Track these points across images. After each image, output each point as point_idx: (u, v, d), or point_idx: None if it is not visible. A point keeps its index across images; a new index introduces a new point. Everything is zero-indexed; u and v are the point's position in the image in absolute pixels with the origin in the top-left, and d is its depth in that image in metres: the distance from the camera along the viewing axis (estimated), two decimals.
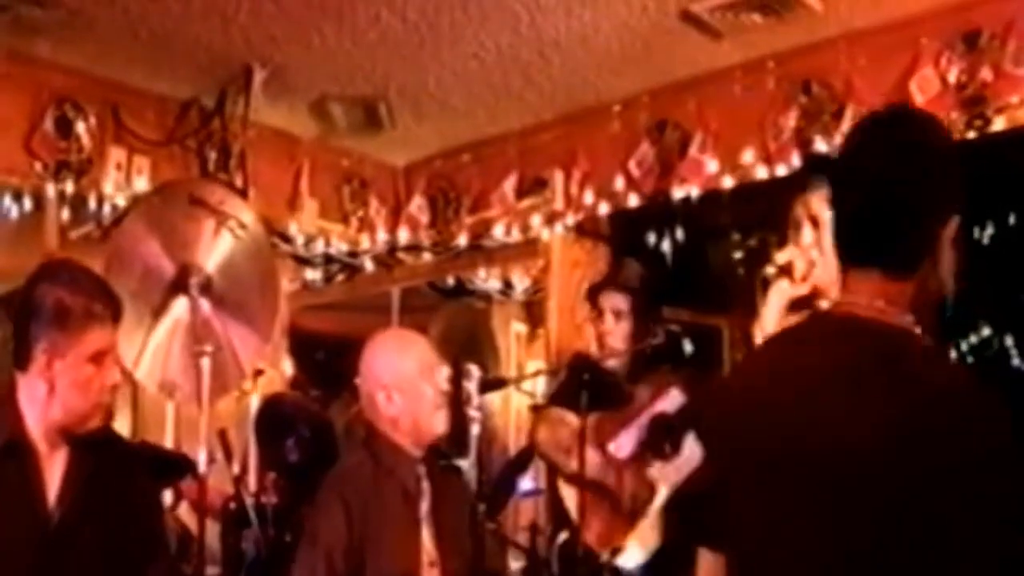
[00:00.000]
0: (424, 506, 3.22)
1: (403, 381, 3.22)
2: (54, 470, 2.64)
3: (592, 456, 3.97)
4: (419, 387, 3.23)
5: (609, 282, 4.49)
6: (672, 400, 4.15)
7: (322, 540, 3.09)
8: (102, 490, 2.67)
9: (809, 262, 3.13)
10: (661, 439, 4.07)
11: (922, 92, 4.34)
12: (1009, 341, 4.22)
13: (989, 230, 4.36)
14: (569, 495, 3.99)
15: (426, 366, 3.26)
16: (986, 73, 4.18)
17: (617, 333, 4.33)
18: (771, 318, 3.16)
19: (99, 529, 2.63)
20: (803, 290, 3.14)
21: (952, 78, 4.26)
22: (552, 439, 4.12)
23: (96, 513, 2.64)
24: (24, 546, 2.55)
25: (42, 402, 2.61)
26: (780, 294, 3.13)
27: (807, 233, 3.17)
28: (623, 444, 4.12)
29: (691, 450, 4.06)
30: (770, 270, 3.11)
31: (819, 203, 3.18)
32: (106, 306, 2.65)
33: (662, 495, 4.03)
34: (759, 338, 3.16)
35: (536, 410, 4.32)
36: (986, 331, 3.92)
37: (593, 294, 4.48)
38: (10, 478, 2.59)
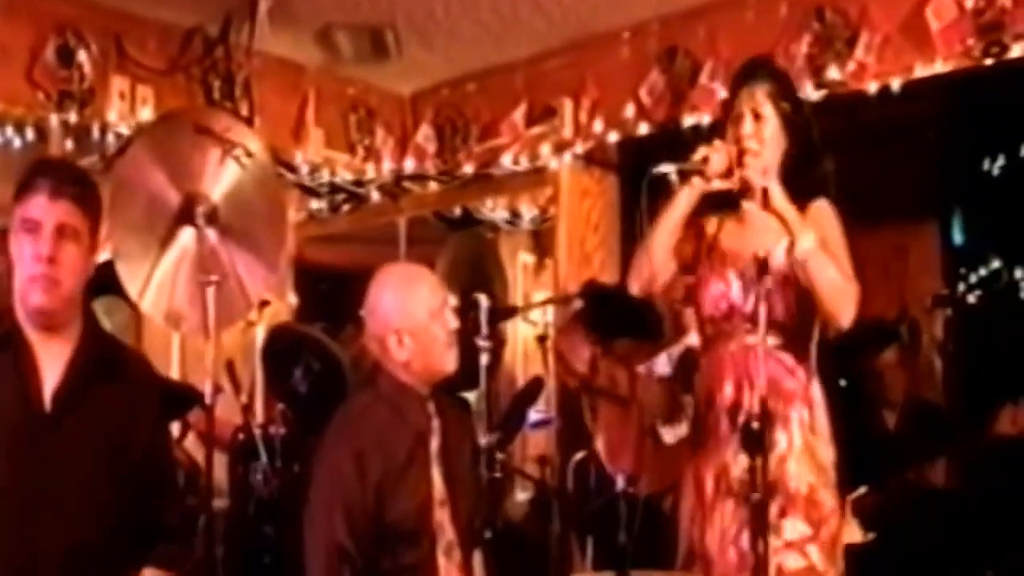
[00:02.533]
0: (434, 444, 3.17)
1: (414, 324, 3.14)
2: (53, 363, 2.64)
3: (616, 375, 3.97)
4: (430, 329, 3.15)
5: None
6: None
7: (336, 489, 3.02)
8: (104, 391, 2.68)
9: (739, 152, 3.14)
10: (688, 373, 4.05)
11: (938, 18, 4.28)
12: (1019, 274, 4.19)
13: (1000, 161, 4.30)
14: (591, 415, 3.97)
15: (436, 306, 3.18)
16: None
17: None
18: (671, 223, 3.16)
19: (97, 427, 2.64)
20: (728, 184, 3.15)
21: (969, 3, 4.21)
22: (572, 347, 4.09)
23: (94, 410, 2.64)
24: (15, 434, 2.57)
25: (11, 286, 2.64)
26: (691, 191, 3.14)
27: (748, 124, 3.17)
28: (654, 365, 4.10)
29: None
30: (669, 167, 3.09)
31: (763, 97, 3.18)
32: (43, 177, 2.63)
33: (683, 428, 4.02)
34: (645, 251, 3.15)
35: (543, 340, 4.30)
36: (995, 263, 3.88)
37: None
38: (5, 368, 2.61)
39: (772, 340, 3.08)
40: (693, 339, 4.05)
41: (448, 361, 3.20)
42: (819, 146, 3.23)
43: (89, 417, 2.64)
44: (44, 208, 2.60)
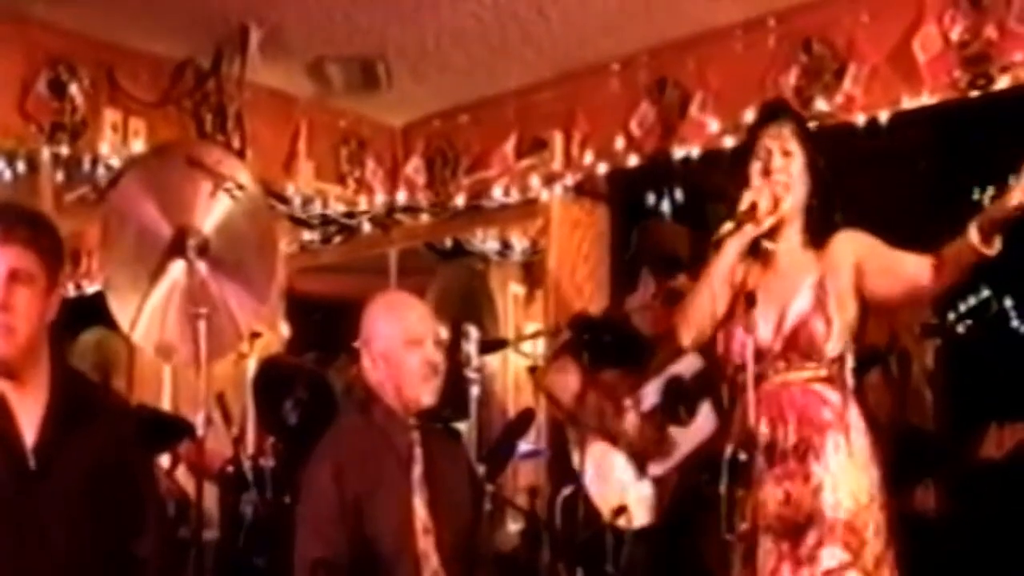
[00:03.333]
0: (417, 471, 3.19)
1: (387, 349, 3.20)
2: (29, 415, 2.59)
3: (604, 408, 3.97)
4: (402, 357, 3.18)
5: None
6: (688, 364, 4.13)
7: (314, 502, 3.07)
8: (83, 438, 2.63)
9: (777, 193, 3.19)
10: (676, 403, 4.06)
11: (924, 51, 4.32)
12: (1008, 303, 4.20)
13: (990, 191, 4.32)
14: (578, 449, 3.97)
15: (413, 337, 3.21)
16: (990, 31, 4.15)
17: None
18: (723, 273, 3.18)
19: (80, 475, 2.60)
20: (769, 223, 3.19)
21: (955, 36, 4.24)
22: (560, 380, 4.09)
23: (76, 459, 2.60)
24: (5, 490, 2.52)
25: None
26: (742, 238, 3.17)
27: (777, 159, 3.22)
28: (642, 399, 4.11)
29: (705, 416, 4.05)
30: (728, 226, 3.13)
31: (789, 135, 3.25)
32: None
33: (675, 458, 4.03)
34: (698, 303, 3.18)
35: (533, 371, 4.30)
36: (985, 293, 3.90)
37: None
38: None
39: (807, 373, 3.19)
40: (680, 367, 4.08)
41: (423, 393, 3.21)
42: (835, 190, 3.29)
43: (72, 465, 2.60)
44: None
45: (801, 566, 3.11)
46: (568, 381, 4.03)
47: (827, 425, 3.18)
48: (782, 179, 3.21)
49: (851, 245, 3.23)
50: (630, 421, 4.07)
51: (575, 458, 3.95)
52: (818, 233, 3.25)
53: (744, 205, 3.15)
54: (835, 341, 3.19)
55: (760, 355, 3.15)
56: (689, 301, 3.29)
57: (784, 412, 3.18)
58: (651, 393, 4.10)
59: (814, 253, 3.26)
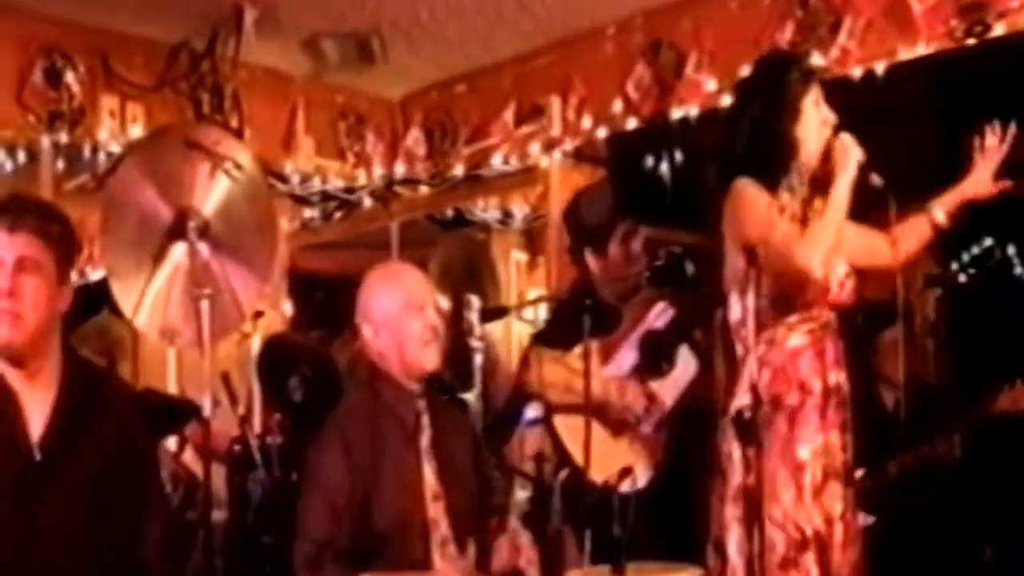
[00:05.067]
0: (424, 441, 3.23)
1: (387, 316, 3.23)
2: (38, 405, 2.62)
3: (573, 382, 3.96)
4: (403, 323, 3.22)
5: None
6: (660, 315, 4.13)
7: (323, 481, 3.11)
8: (91, 429, 2.66)
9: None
10: (654, 355, 4.07)
11: (920, 1, 4.27)
12: (1011, 250, 4.20)
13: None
14: (566, 432, 3.97)
15: (411, 302, 3.24)
16: None
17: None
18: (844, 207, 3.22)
19: (86, 467, 2.63)
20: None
21: None
22: (549, 377, 4.09)
23: (83, 450, 2.63)
24: (10, 482, 2.56)
25: None
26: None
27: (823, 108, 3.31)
28: (620, 362, 4.11)
29: (685, 361, 4.07)
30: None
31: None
32: (6, 213, 2.60)
33: (663, 411, 4.05)
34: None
35: (531, 345, 4.29)
36: (987, 241, 3.89)
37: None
38: None
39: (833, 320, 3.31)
40: (652, 321, 4.08)
41: (424, 358, 3.25)
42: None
43: (77, 457, 2.63)
44: (4, 243, 2.57)
45: (857, 512, 3.30)
46: (555, 375, 3.99)
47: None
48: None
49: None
50: (614, 390, 4.05)
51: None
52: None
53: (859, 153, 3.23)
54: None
55: (822, 297, 3.27)
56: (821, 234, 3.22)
57: (839, 357, 3.30)
58: (627, 353, 4.11)
59: None
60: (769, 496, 3.17)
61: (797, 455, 3.21)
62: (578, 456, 3.69)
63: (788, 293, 3.25)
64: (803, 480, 3.20)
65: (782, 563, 3.17)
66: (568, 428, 3.90)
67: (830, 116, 3.33)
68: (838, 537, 3.19)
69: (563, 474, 3.49)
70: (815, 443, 3.21)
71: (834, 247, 3.20)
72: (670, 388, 4.07)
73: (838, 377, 3.28)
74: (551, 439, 3.92)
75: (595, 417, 3.79)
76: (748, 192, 3.26)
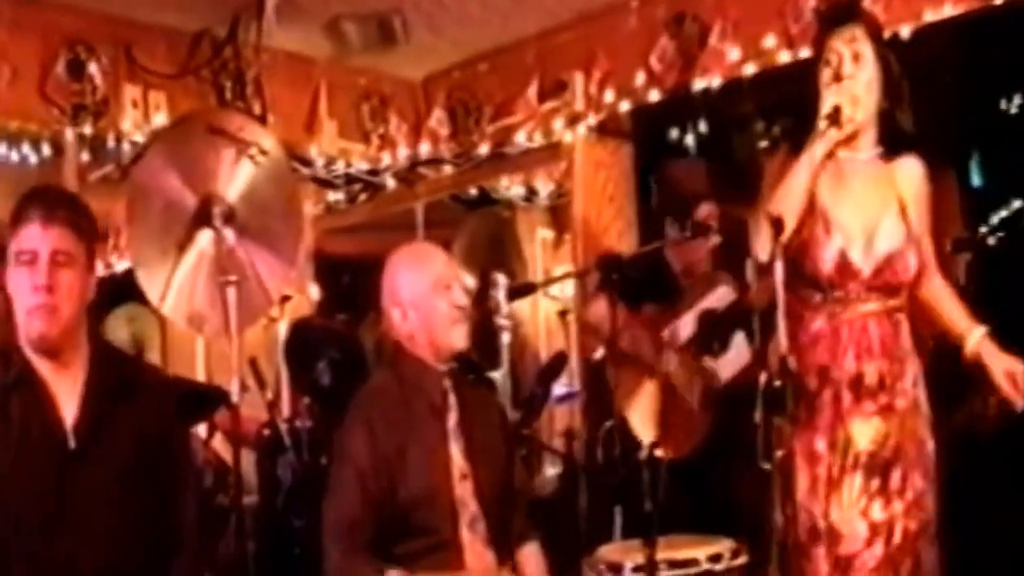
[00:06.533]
0: (452, 420, 3.22)
1: (416, 297, 3.21)
2: (69, 395, 2.65)
3: (642, 342, 3.97)
4: (432, 303, 3.20)
5: None
6: (720, 297, 4.12)
7: (349, 463, 3.10)
8: (123, 416, 2.69)
9: (853, 99, 3.06)
10: (709, 336, 4.05)
11: None
12: None
13: (1017, 100, 4.25)
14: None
15: (439, 281, 3.23)
16: None
17: None
18: (805, 177, 3.04)
19: (120, 453, 2.66)
20: (847, 131, 3.06)
21: None
22: (597, 313, 4.07)
23: (116, 437, 2.66)
24: (43, 472, 2.59)
25: (15, 324, 2.64)
26: (826, 144, 3.03)
27: (848, 65, 3.08)
28: (677, 332, 4.12)
29: (739, 347, 4.04)
30: (822, 125, 3.00)
31: (861, 37, 3.10)
32: (34, 207, 2.63)
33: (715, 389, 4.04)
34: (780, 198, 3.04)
35: (564, 315, 4.31)
36: (1016, 203, 3.84)
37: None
38: (26, 409, 2.61)
39: (892, 302, 3.13)
40: (712, 301, 4.08)
41: (454, 337, 3.23)
42: (906, 94, 3.17)
43: (111, 442, 2.66)
44: (38, 237, 2.60)
45: (892, 501, 3.08)
46: (604, 315, 3.98)
47: (906, 356, 3.15)
48: (858, 89, 3.07)
49: (908, 182, 3.16)
50: (670, 354, 4.08)
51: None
52: (893, 141, 3.14)
53: (827, 108, 3.02)
54: (914, 274, 3.15)
55: (846, 275, 3.09)
56: (772, 205, 3.03)
57: (871, 344, 3.11)
58: (684, 327, 4.10)
59: (888, 167, 3.16)
60: (790, 478, 3.11)
61: (813, 444, 3.12)
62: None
63: (800, 271, 3.12)
64: (817, 470, 3.11)
65: (796, 547, 3.10)
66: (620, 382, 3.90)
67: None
68: (860, 534, 3.05)
69: (607, 424, 3.51)
70: (833, 434, 3.10)
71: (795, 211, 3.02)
72: (719, 371, 4.06)
73: (865, 367, 3.11)
74: (594, 394, 3.90)
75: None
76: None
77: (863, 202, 3.12)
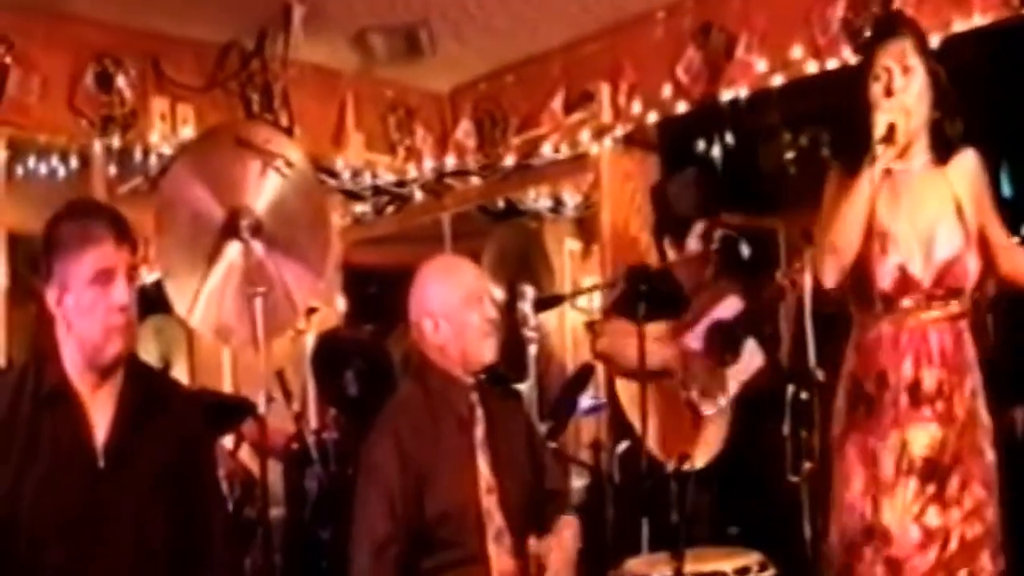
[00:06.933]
0: (479, 433, 3.21)
1: (448, 309, 3.20)
2: (101, 412, 2.64)
3: (666, 352, 3.97)
4: (464, 316, 3.20)
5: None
6: (729, 307, 4.12)
7: (377, 478, 3.09)
8: (152, 433, 2.68)
9: (905, 111, 3.06)
10: (719, 346, 4.05)
11: None
12: None
13: None
14: (628, 400, 3.96)
15: (472, 294, 3.22)
16: None
17: None
18: (864, 199, 3.04)
19: (148, 471, 2.65)
20: (900, 144, 3.07)
21: None
22: (618, 342, 4.06)
23: (145, 455, 2.65)
24: (75, 490, 2.57)
25: (65, 341, 2.61)
26: (883, 163, 3.04)
27: (898, 78, 3.08)
28: (687, 344, 4.12)
29: (750, 356, 4.05)
30: (879, 148, 3.00)
31: (910, 50, 3.11)
32: (102, 225, 2.59)
33: (730, 396, 4.03)
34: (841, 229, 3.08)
35: (592, 326, 4.30)
36: None
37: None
38: (57, 425, 2.59)
39: (954, 308, 3.13)
40: (721, 312, 4.07)
41: (484, 350, 3.22)
42: (955, 103, 3.17)
43: (140, 461, 2.64)
44: (113, 255, 2.57)
45: (948, 508, 3.07)
46: (625, 341, 3.97)
47: (966, 365, 3.14)
48: (909, 102, 3.07)
49: (971, 176, 3.17)
50: (688, 361, 4.07)
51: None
52: (944, 148, 3.15)
53: (882, 129, 3.02)
54: (976, 277, 3.14)
55: (906, 288, 3.09)
56: (834, 236, 3.08)
57: (930, 352, 3.11)
58: (694, 340, 4.10)
59: (941, 172, 3.16)
60: (843, 479, 3.13)
61: (869, 446, 3.12)
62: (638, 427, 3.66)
63: (860, 287, 3.14)
64: (872, 472, 3.11)
65: (848, 546, 3.11)
66: (631, 400, 3.88)
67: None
68: (913, 538, 3.04)
69: (623, 445, 3.50)
70: (889, 438, 3.10)
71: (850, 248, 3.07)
72: (734, 377, 4.06)
73: (924, 373, 3.10)
74: (613, 415, 3.91)
75: (664, 392, 3.78)
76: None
77: (919, 211, 3.13)
